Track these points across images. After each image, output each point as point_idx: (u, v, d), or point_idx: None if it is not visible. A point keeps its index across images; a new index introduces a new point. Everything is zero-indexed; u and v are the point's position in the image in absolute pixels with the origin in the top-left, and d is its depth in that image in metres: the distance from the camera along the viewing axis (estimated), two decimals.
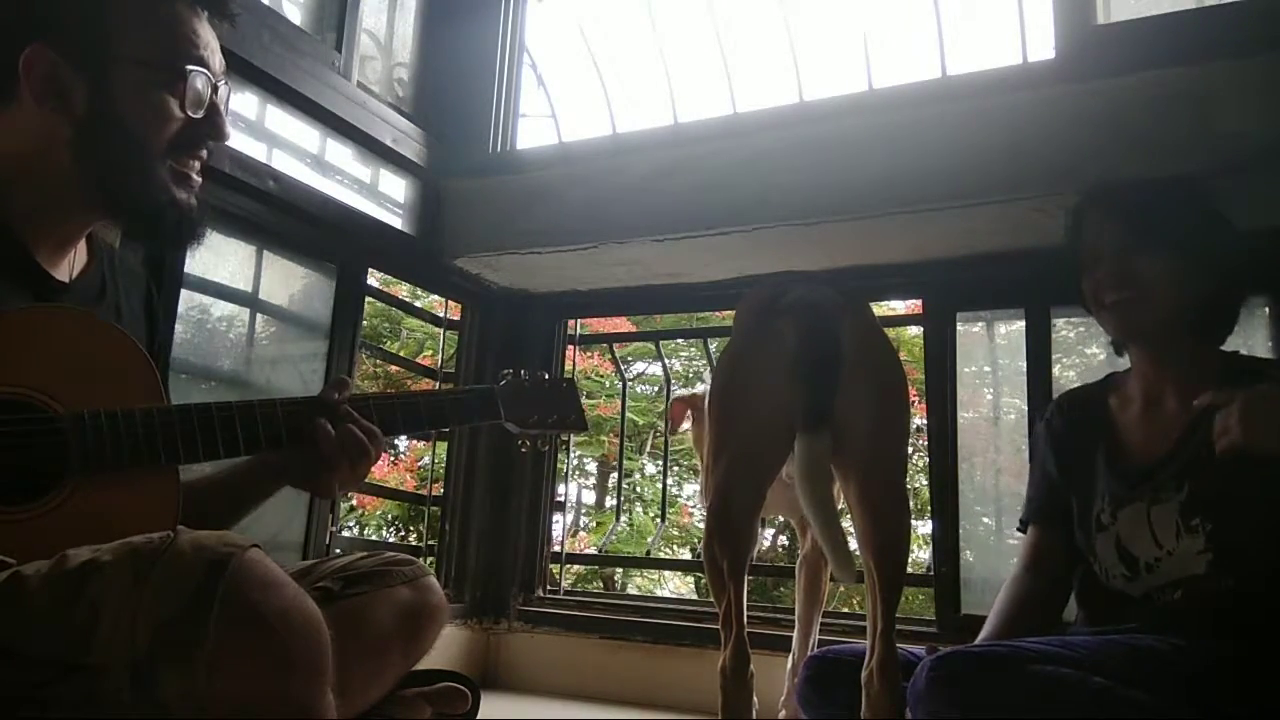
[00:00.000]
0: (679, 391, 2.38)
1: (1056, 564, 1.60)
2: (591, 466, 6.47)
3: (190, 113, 1.10)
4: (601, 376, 5.62)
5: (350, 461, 1.16)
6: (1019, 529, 1.72)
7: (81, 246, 1.18)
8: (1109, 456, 1.55)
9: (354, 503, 5.31)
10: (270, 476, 1.23)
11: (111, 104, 1.06)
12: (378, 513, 5.65)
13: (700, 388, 2.33)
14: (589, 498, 6.62)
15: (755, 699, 1.46)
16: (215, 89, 1.13)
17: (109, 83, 1.06)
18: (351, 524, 5.50)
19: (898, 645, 1.42)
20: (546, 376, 1.41)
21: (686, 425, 2.20)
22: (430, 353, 5.08)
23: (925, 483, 2.97)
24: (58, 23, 1.05)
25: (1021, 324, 2.29)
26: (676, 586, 5.92)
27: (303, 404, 1.16)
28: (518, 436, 1.41)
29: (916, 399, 3.16)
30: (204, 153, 1.15)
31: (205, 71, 1.11)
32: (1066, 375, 2.35)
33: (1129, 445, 1.54)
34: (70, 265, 1.14)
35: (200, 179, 1.16)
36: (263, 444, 1.12)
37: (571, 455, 5.51)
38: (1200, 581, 1.38)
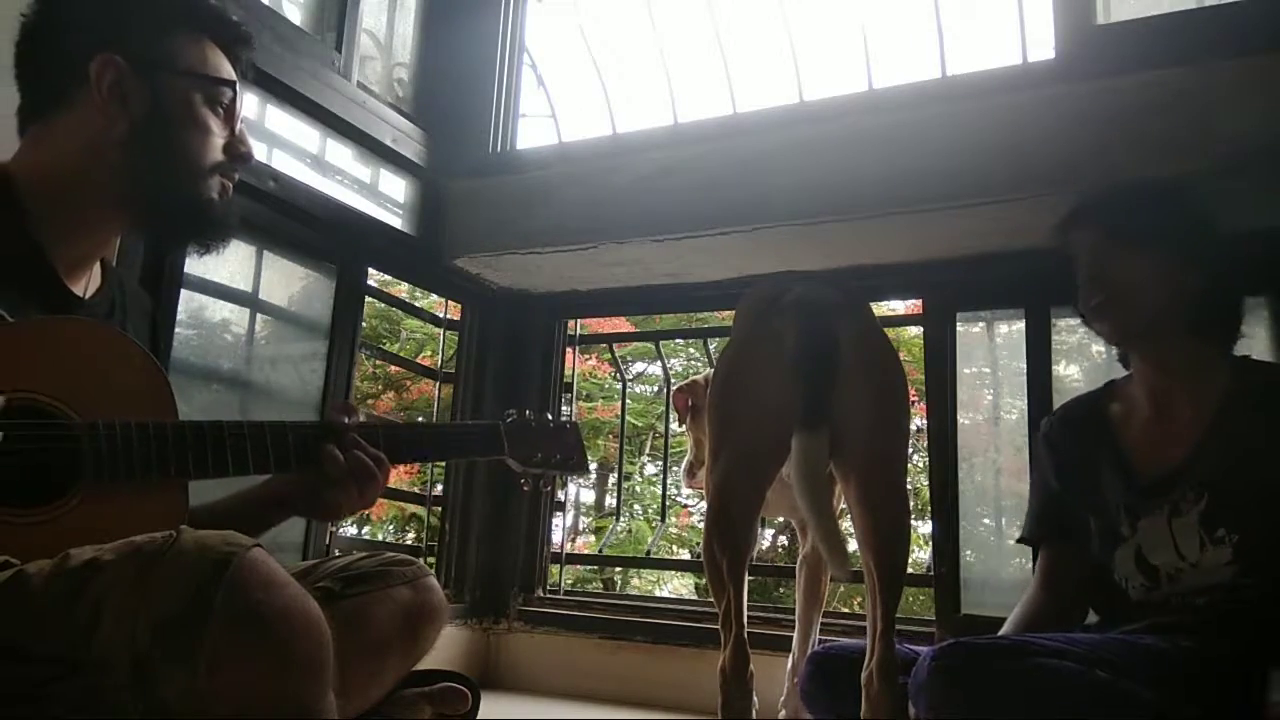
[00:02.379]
0: (679, 384, 2.38)
1: (1070, 580, 1.58)
2: (590, 468, 6.47)
3: (234, 126, 1.20)
4: (600, 378, 5.62)
5: (358, 486, 1.19)
6: (1021, 542, 1.70)
7: (96, 267, 1.21)
8: (1118, 467, 1.52)
9: None
10: (277, 506, 1.25)
11: (167, 112, 1.15)
12: (389, 515, 5.65)
13: (699, 376, 2.32)
14: (587, 496, 6.63)
15: (755, 699, 1.46)
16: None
17: (166, 93, 1.15)
18: (349, 524, 5.49)
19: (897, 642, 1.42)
20: (551, 418, 1.45)
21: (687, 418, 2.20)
22: (430, 353, 5.08)
23: (925, 483, 2.97)
24: (125, 34, 1.13)
25: (1021, 324, 2.29)
26: (676, 587, 5.92)
27: (312, 428, 1.19)
28: (519, 474, 1.44)
29: (916, 399, 3.16)
30: (236, 173, 1.23)
31: (238, 93, 1.21)
32: (1068, 374, 2.35)
33: (1139, 454, 1.52)
34: (86, 284, 1.18)
35: (232, 190, 1.23)
36: (272, 465, 1.15)
37: None
38: (1228, 591, 1.37)
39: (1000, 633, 1.60)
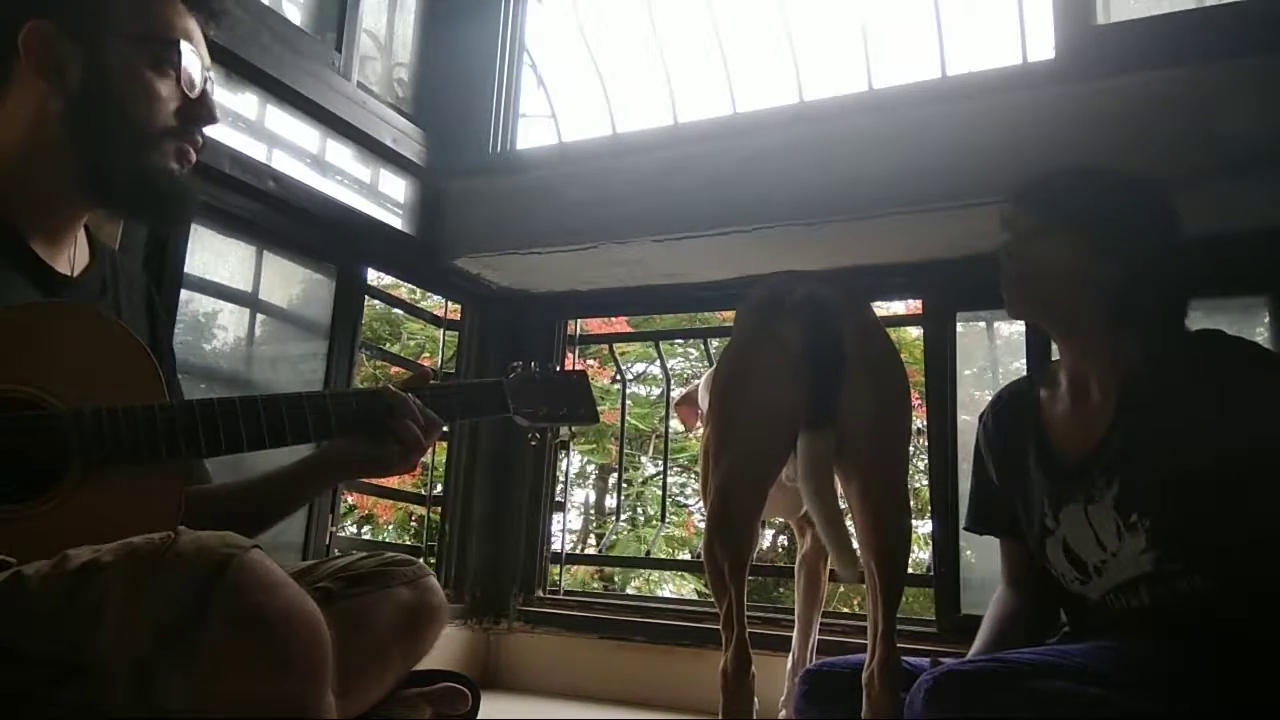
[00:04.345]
0: (676, 395, 2.38)
1: (1034, 574, 1.55)
2: (591, 469, 6.47)
3: (185, 90, 1.12)
4: (602, 381, 5.61)
5: (405, 448, 1.19)
6: (967, 529, 1.69)
7: (82, 244, 1.18)
8: (1040, 454, 1.49)
9: (352, 502, 5.30)
10: (326, 471, 1.26)
11: (105, 78, 1.07)
12: (392, 521, 5.65)
13: (694, 384, 2.33)
14: (589, 499, 6.62)
15: (756, 700, 1.46)
16: (206, 77, 1.15)
17: (103, 57, 1.07)
18: (349, 524, 5.49)
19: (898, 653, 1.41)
20: (557, 368, 1.40)
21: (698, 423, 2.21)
22: (430, 354, 5.07)
23: (925, 483, 2.97)
24: None
25: (1021, 324, 2.29)
26: (676, 587, 5.92)
27: (311, 398, 1.16)
28: (527, 430, 1.39)
29: (917, 400, 3.16)
30: (199, 138, 1.16)
31: (197, 52, 1.13)
32: None
33: (1059, 441, 1.48)
34: (71, 260, 1.14)
35: (196, 157, 1.16)
36: (266, 440, 1.12)
37: (572, 458, 5.51)
38: (1158, 581, 1.34)
39: (980, 632, 1.58)
